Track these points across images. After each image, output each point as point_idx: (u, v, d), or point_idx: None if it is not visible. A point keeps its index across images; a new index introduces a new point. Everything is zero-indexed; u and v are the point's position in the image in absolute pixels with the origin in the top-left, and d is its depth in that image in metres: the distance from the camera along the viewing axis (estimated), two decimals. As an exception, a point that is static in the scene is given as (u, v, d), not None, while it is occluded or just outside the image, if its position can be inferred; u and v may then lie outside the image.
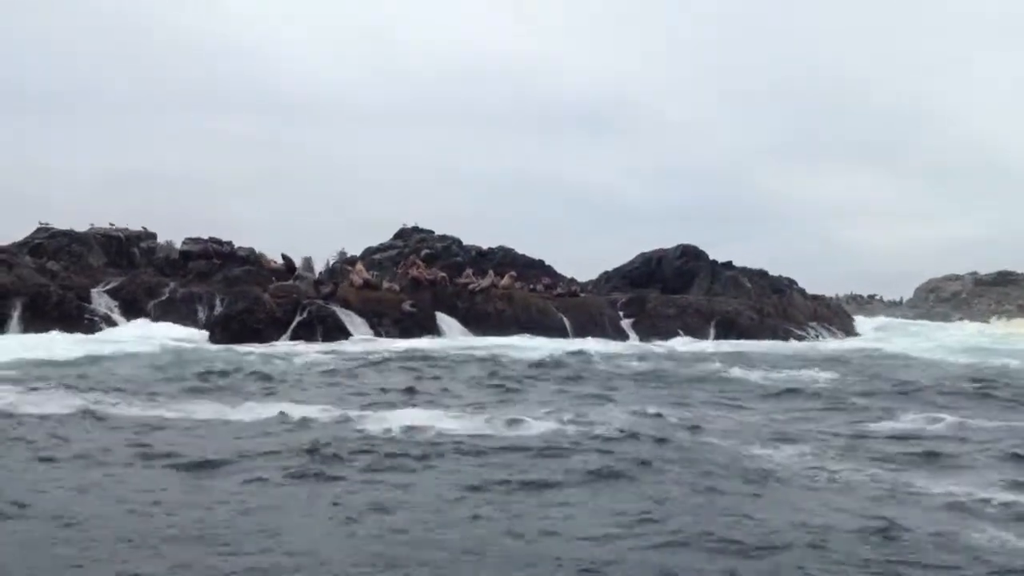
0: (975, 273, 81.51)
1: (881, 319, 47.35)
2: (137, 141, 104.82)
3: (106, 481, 6.35)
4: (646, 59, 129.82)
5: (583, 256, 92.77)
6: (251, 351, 18.61)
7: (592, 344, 23.47)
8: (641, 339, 29.04)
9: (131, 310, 25.88)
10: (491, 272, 29.14)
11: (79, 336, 21.22)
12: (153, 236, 33.81)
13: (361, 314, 25.14)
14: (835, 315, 39.62)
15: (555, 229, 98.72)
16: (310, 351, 19.08)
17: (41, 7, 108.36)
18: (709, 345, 26.76)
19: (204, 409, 9.83)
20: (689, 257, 38.04)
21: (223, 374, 13.79)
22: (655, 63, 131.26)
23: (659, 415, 9.87)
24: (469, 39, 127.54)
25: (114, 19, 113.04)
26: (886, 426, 9.72)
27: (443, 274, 28.70)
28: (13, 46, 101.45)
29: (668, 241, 39.83)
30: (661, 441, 8.12)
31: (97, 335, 22.11)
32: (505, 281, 28.33)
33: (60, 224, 30.00)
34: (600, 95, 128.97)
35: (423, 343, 22.74)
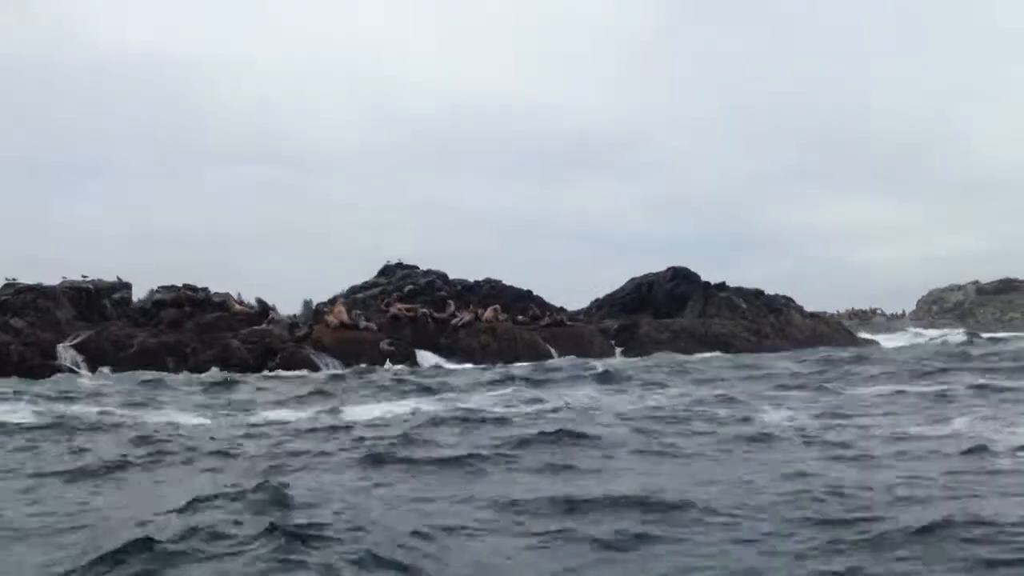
0: (976, 282, 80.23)
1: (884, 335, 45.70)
2: (156, 200, 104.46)
3: None
4: (645, 92, 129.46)
5: (576, 285, 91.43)
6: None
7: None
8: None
9: (99, 363, 24.92)
10: (472, 305, 28.12)
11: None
12: (128, 286, 32.79)
13: (336, 355, 24.10)
14: (836, 332, 38.49)
15: (549, 263, 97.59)
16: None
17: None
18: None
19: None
20: (680, 280, 36.98)
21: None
22: (653, 96, 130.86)
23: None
24: (468, 82, 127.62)
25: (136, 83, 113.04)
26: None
27: (424, 310, 27.66)
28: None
29: (664, 266, 38.59)
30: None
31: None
32: (488, 314, 27.27)
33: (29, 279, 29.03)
34: (598, 130, 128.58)
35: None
